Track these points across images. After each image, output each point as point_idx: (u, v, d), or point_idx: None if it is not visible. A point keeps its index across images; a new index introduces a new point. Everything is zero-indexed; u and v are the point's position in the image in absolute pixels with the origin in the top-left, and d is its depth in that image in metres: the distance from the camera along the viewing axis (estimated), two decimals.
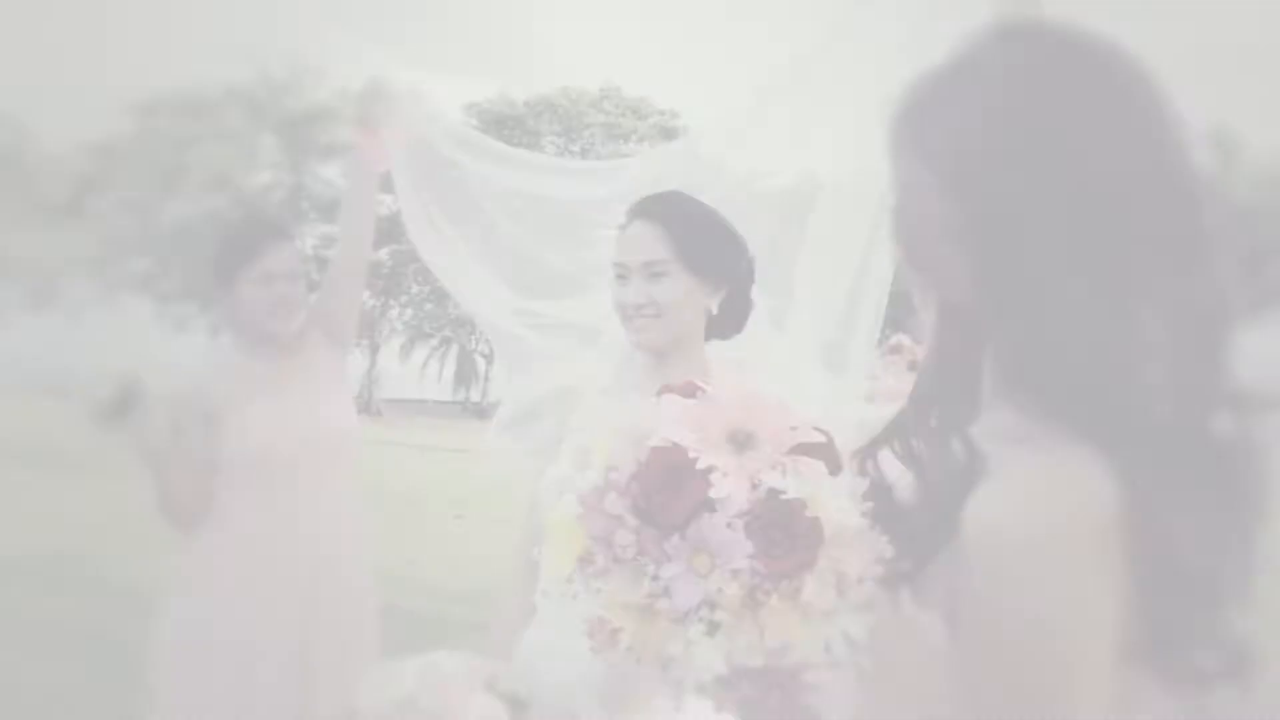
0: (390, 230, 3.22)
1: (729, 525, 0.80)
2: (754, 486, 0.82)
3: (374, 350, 37.38)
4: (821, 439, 0.86)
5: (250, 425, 2.42)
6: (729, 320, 1.89)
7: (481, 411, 35.67)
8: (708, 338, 1.88)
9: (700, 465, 0.82)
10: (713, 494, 0.81)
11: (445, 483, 13.18)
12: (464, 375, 43.69)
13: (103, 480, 6.94)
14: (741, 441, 0.85)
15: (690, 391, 0.90)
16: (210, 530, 2.43)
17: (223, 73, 33.43)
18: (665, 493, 0.82)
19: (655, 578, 0.82)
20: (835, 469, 0.85)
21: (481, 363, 38.34)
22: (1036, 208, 0.78)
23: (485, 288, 2.72)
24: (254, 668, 2.32)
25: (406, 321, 40.63)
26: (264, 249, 2.47)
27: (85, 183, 32.09)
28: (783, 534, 0.80)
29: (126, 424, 2.31)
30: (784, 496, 0.81)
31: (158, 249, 31.50)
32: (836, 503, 0.82)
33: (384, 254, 32.42)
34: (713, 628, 0.80)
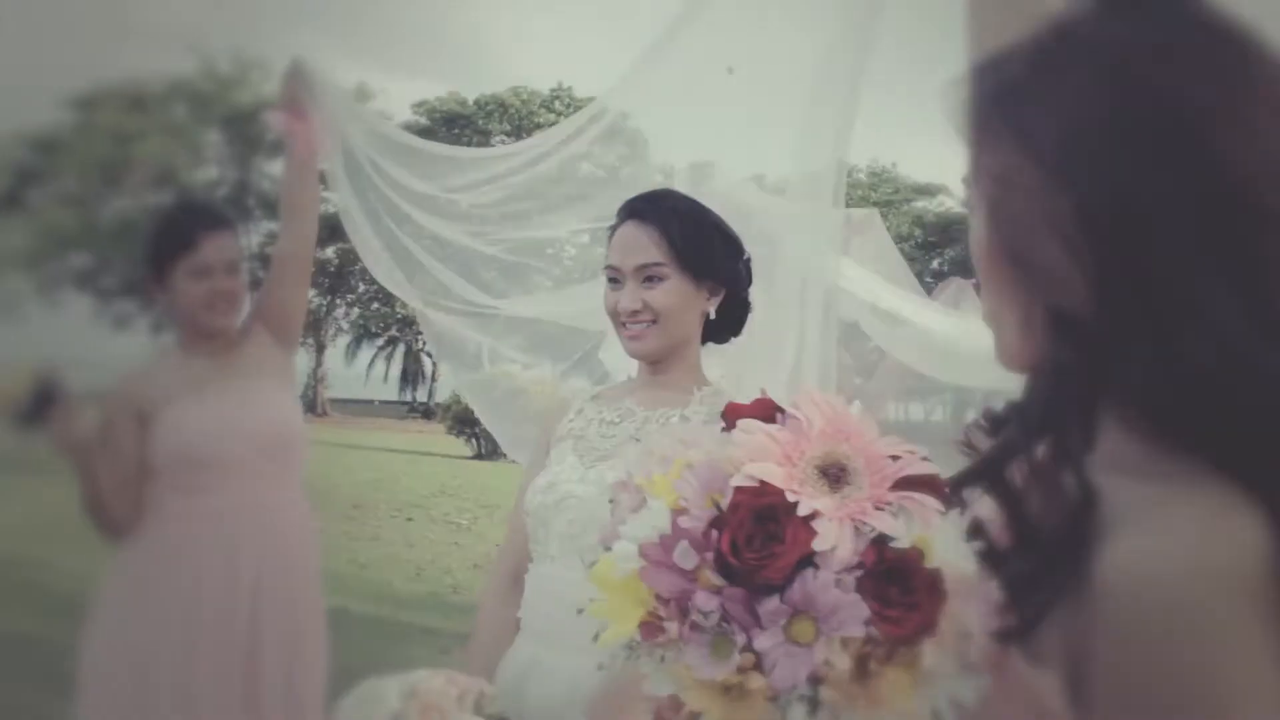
0: (337, 229, 3.15)
1: (838, 583, 0.66)
2: (858, 532, 0.67)
3: (320, 350, 36.98)
4: (930, 469, 0.71)
5: (186, 425, 2.28)
6: (727, 324, 1.80)
7: (429, 412, 35.47)
8: (704, 342, 1.80)
9: (802, 510, 0.67)
10: (816, 544, 0.66)
11: (394, 485, 13.01)
12: (411, 376, 43.40)
13: (37, 481, 6.77)
14: (836, 476, 0.70)
15: (767, 412, 0.75)
16: (142, 536, 2.29)
17: (166, 65, 32.89)
18: (758, 544, 0.67)
19: (746, 650, 0.66)
20: (945, 506, 0.71)
21: (429, 363, 38.08)
22: (1163, 199, 0.68)
23: (424, 287, 2.69)
24: (189, 682, 2.22)
25: (353, 321, 40.27)
26: (201, 239, 2.31)
27: (24, 175, 31.36)
28: (900, 591, 0.66)
29: (42, 423, 2.19)
30: (897, 544, 0.67)
31: (98, 245, 30.86)
32: (954, 549, 0.69)
33: (330, 252, 32.12)
34: (816, 706, 0.67)
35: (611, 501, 0.81)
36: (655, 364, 1.75)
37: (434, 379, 38.26)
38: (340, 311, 39.24)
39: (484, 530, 10.35)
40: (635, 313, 1.69)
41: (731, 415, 0.76)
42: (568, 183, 2.79)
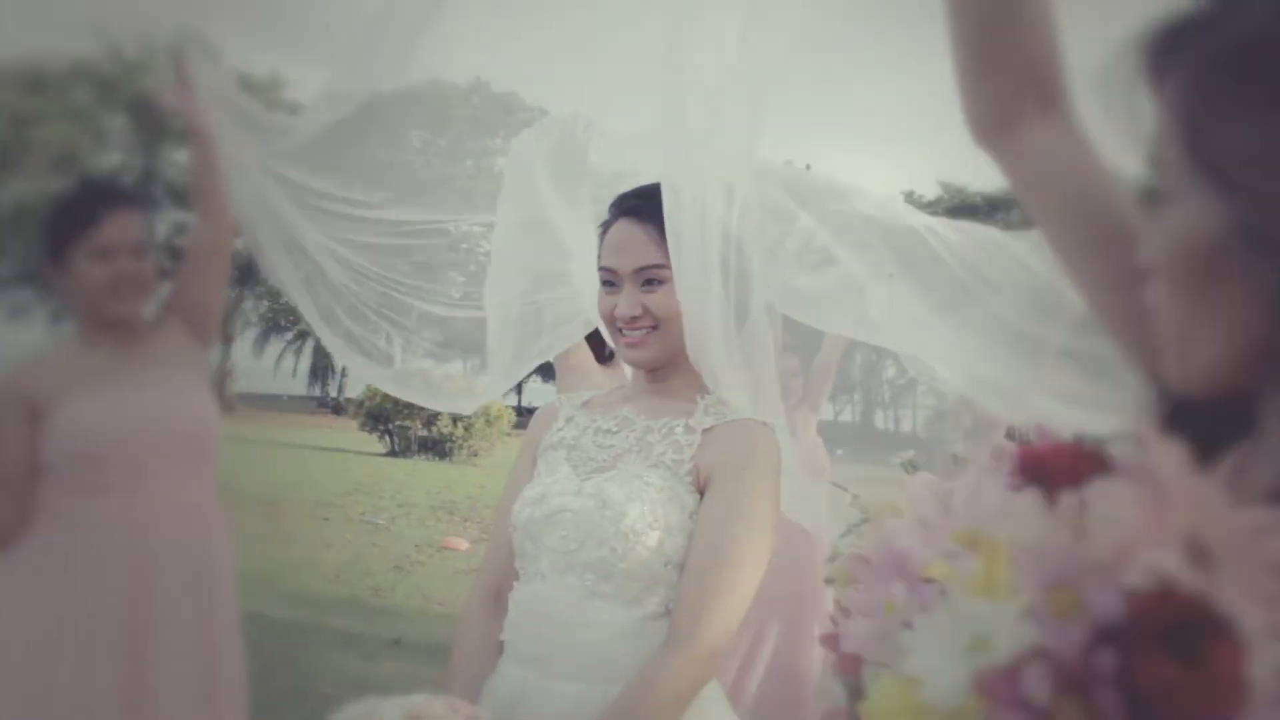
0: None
1: None
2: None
3: (227, 343, 36.11)
4: None
5: (85, 420, 2.11)
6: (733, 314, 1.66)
7: (339, 408, 34.85)
8: None
9: (1221, 623, 0.45)
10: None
11: (307, 483, 12.74)
12: (320, 370, 42.62)
13: None
14: (1202, 559, 0.47)
15: (1092, 465, 0.53)
16: (27, 544, 2.09)
17: (68, 47, 31.72)
18: (1172, 677, 0.44)
19: None
20: None
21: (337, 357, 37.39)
22: None
23: (328, 289, 2.64)
24: (82, 705, 2.04)
25: (262, 314, 39.39)
26: (103, 217, 2.13)
27: None
28: None
29: None
30: None
31: None
32: None
33: (239, 244, 31.27)
34: None
35: (844, 584, 0.61)
36: (654, 372, 1.62)
37: (344, 374, 37.64)
38: (249, 304, 38.36)
39: (402, 530, 10.18)
40: (634, 319, 1.56)
41: (1036, 464, 0.54)
42: (483, 177, 2.78)
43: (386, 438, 19.64)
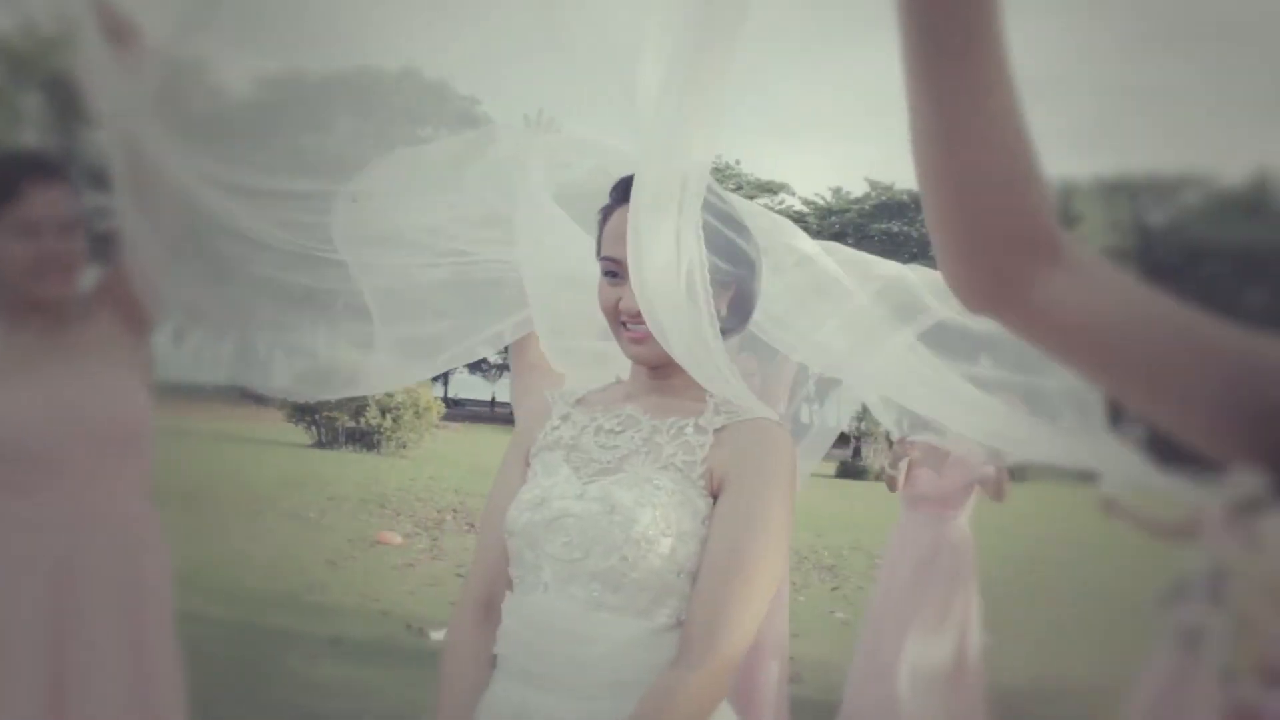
0: None
1: None
2: None
3: None
4: None
5: (2, 414, 1.97)
6: (736, 320, 1.55)
7: (262, 398, 34.23)
8: None
9: None
10: None
11: (234, 476, 12.48)
12: (244, 361, 41.82)
13: None
14: None
15: None
16: None
17: None
18: None
19: None
20: None
21: (261, 347, 36.79)
22: None
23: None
24: (11, 702, 1.93)
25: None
26: (27, 190, 1.97)
27: None
28: None
29: None
30: None
31: None
32: None
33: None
34: None
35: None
36: (657, 369, 1.51)
37: (267, 363, 36.99)
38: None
39: (334, 523, 10.03)
40: (640, 313, 1.43)
41: None
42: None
43: (314, 429, 19.36)
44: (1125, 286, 0.80)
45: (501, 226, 2.14)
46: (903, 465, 4.64)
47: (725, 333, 1.51)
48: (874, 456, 24.18)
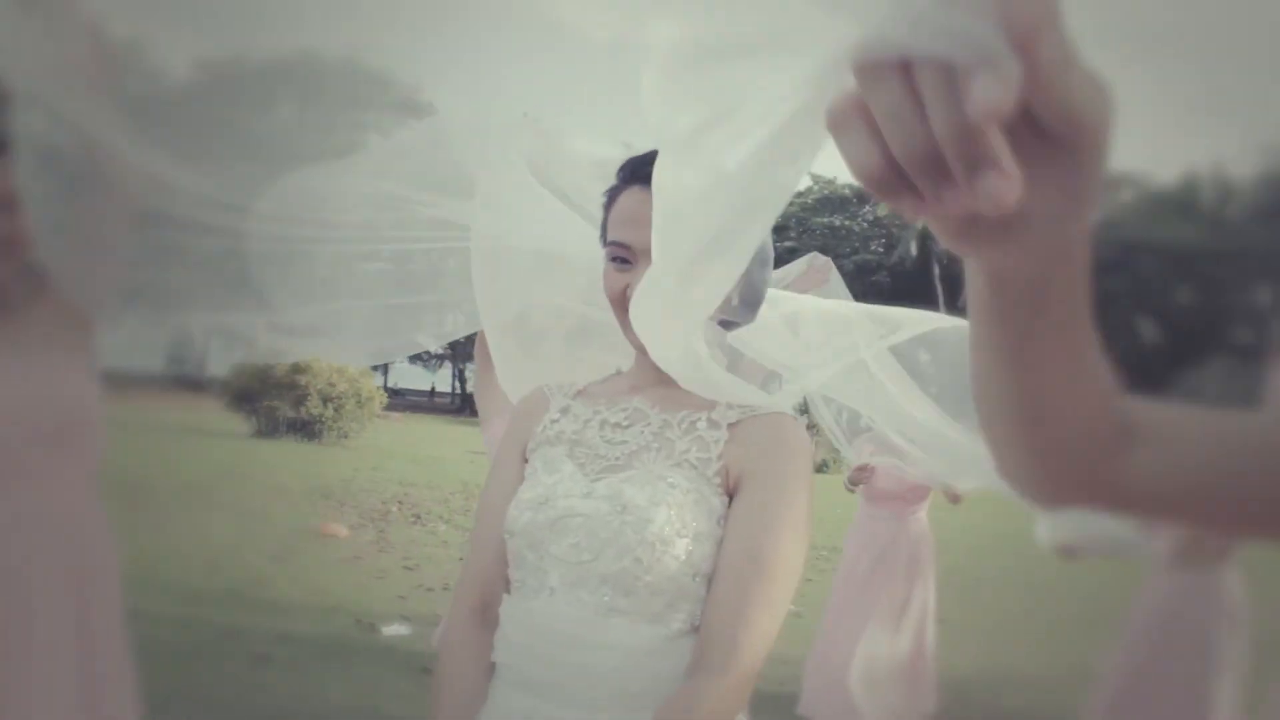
0: None
1: None
2: None
3: None
4: None
5: None
6: (746, 312, 1.50)
7: (199, 385, 33.72)
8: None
9: None
10: None
11: (173, 467, 12.18)
12: (181, 346, 41.09)
13: None
14: None
15: None
16: None
17: None
18: None
19: None
20: None
21: (198, 332, 36.15)
22: None
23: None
24: None
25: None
26: None
27: None
28: None
29: None
30: None
31: None
32: None
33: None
34: None
35: None
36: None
37: (205, 350, 36.41)
38: None
39: (278, 515, 9.87)
40: None
41: None
42: (355, 153, 2.72)
43: (254, 417, 19.09)
44: (1202, 432, 0.76)
45: (443, 225, 2.13)
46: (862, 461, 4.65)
47: (733, 325, 1.52)
48: (817, 450, 24.33)
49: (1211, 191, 43.87)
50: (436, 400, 57.73)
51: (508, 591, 1.43)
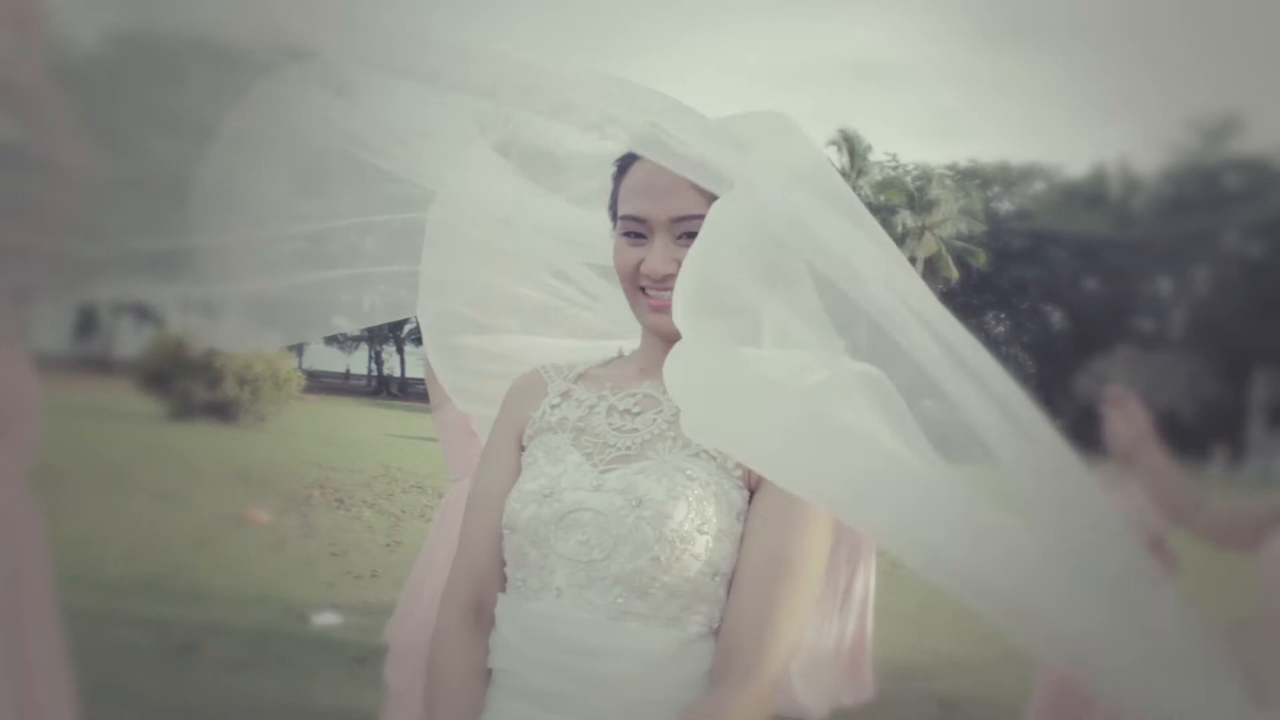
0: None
1: None
2: None
3: None
4: None
5: None
6: None
7: (106, 365, 32.75)
8: None
9: None
10: None
11: (85, 450, 11.63)
12: (87, 326, 39.99)
13: None
14: None
15: None
16: None
17: None
18: None
19: None
20: None
21: (106, 314, 35.16)
22: None
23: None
24: None
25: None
26: None
27: None
28: None
29: None
30: None
31: None
32: None
33: None
34: None
35: None
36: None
37: (114, 330, 35.45)
38: None
39: (196, 501, 9.59)
40: (668, 277, 1.24)
41: None
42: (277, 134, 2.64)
43: (166, 400, 18.61)
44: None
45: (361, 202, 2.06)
46: None
47: None
48: None
49: (1119, 184, 45.27)
50: (352, 382, 56.93)
51: (504, 590, 1.32)
